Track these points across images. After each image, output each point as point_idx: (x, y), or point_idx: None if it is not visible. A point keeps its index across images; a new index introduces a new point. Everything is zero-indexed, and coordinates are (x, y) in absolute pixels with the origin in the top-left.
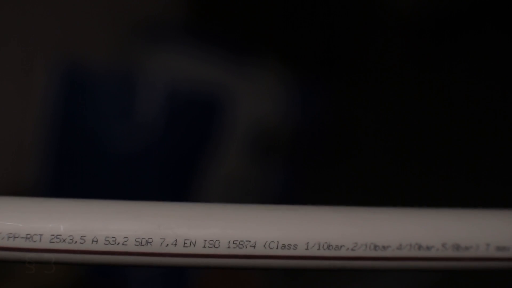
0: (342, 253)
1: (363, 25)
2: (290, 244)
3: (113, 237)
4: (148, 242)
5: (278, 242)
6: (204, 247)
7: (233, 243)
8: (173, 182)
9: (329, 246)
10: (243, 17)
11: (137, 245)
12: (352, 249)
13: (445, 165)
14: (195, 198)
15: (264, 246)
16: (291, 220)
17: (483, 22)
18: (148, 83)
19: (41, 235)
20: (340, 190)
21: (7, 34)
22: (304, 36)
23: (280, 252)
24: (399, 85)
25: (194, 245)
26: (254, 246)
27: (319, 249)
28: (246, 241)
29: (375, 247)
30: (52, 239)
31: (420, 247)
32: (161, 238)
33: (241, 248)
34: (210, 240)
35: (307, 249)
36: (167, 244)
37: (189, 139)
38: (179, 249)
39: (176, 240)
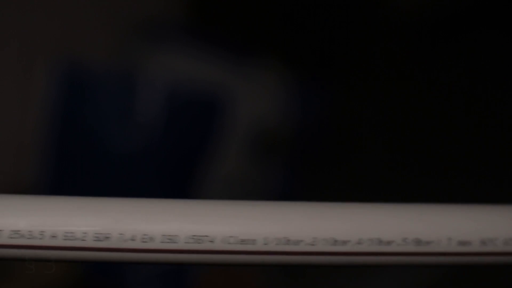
0: (301, 248)
1: (364, 25)
2: (248, 239)
3: (71, 232)
4: (106, 237)
5: (236, 237)
6: (163, 242)
7: (192, 238)
8: (173, 182)
9: (287, 241)
10: (243, 17)
11: (96, 240)
12: (311, 244)
13: (445, 163)
14: (195, 198)
15: (223, 241)
16: (250, 215)
17: (484, 22)
18: (148, 83)
19: (0, 230)
20: (340, 190)
21: (7, 34)
22: (304, 36)
23: (239, 247)
24: (399, 85)
25: (153, 240)
26: (213, 241)
27: (277, 244)
28: (205, 236)
29: (335, 241)
30: (12, 234)
31: (380, 241)
32: (119, 233)
33: (200, 243)
34: (169, 235)
35: (265, 244)
36: (126, 239)
37: (189, 139)
38: (138, 244)
39: (134, 235)
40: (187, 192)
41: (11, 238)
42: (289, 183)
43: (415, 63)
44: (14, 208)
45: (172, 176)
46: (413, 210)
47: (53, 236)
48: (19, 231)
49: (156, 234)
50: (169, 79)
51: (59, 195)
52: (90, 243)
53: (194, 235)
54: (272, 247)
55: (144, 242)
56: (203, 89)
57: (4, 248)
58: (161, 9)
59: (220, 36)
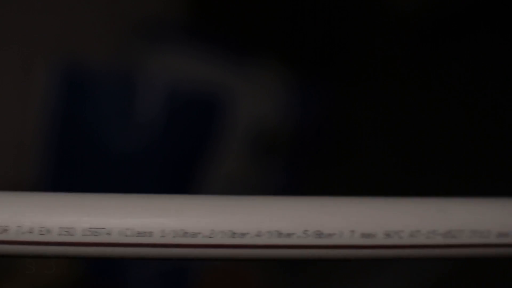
0: (199, 240)
1: (364, 25)
2: (145, 232)
3: None
4: (5, 230)
5: (133, 229)
6: (60, 234)
7: (88, 230)
8: (173, 182)
9: (185, 234)
10: (243, 17)
11: None
12: (209, 237)
13: (448, 162)
14: None
15: (119, 233)
16: (146, 207)
17: (484, 23)
18: (148, 83)
19: None
20: (340, 190)
21: (7, 34)
22: (304, 36)
23: (136, 240)
24: (399, 85)
25: (50, 232)
26: (110, 234)
27: (174, 236)
28: (101, 228)
29: (233, 234)
30: None
31: (280, 234)
32: (17, 226)
33: (96, 235)
34: (66, 228)
35: (162, 236)
36: (23, 232)
37: (189, 139)
38: (35, 237)
39: (32, 227)
40: (186, 192)
41: None
42: (289, 183)
43: (415, 64)
44: None
45: (172, 176)
46: (315, 202)
47: None
48: None
49: (53, 227)
50: (169, 79)
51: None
52: None
53: (91, 228)
54: (169, 240)
55: (41, 234)
56: (203, 89)
57: None
58: (161, 9)
59: (220, 36)
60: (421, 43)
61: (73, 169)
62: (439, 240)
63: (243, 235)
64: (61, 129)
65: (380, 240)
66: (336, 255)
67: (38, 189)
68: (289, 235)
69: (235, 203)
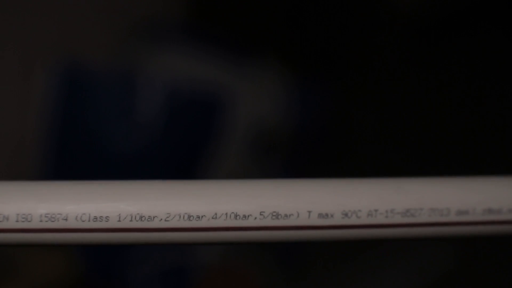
0: (155, 224)
1: (363, 25)
2: (102, 216)
3: None
4: None
5: (89, 214)
6: (17, 221)
7: (45, 216)
8: None
9: (141, 218)
10: (243, 17)
11: None
12: (166, 220)
13: (446, 162)
14: None
15: (76, 218)
16: (102, 192)
17: (483, 22)
18: (148, 83)
19: None
20: None
21: (8, 34)
22: (304, 36)
23: (92, 225)
24: (399, 85)
25: (7, 219)
26: (66, 219)
27: (131, 220)
28: (58, 214)
29: (189, 217)
30: None
31: (236, 216)
32: None
33: (53, 221)
34: (23, 214)
35: (119, 221)
36: None
37: (189, 139)
38: None
39: None
40: None
41: None
42: None
43: (415, 64)
44: None
45: (172, 176)
46: (271, 184)
47: None
48: None
49: (10, 214)
50: (169, 79)
51: None
52: None
53: (48, 213)
54: (126, 224)
55: None
56: (203, 89)
57: None
58: (161, 9)
59: (220, 36)
60: (421, 44)
61: (72, 169)
62: (397, 219)
63: (199, 217)
64: (60, 129)
65: (337, 220)
66: (293, 236)
67: None
68: (245, 217)
69: (191, 186)
